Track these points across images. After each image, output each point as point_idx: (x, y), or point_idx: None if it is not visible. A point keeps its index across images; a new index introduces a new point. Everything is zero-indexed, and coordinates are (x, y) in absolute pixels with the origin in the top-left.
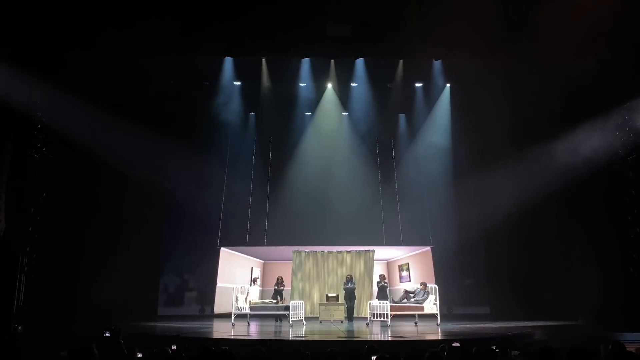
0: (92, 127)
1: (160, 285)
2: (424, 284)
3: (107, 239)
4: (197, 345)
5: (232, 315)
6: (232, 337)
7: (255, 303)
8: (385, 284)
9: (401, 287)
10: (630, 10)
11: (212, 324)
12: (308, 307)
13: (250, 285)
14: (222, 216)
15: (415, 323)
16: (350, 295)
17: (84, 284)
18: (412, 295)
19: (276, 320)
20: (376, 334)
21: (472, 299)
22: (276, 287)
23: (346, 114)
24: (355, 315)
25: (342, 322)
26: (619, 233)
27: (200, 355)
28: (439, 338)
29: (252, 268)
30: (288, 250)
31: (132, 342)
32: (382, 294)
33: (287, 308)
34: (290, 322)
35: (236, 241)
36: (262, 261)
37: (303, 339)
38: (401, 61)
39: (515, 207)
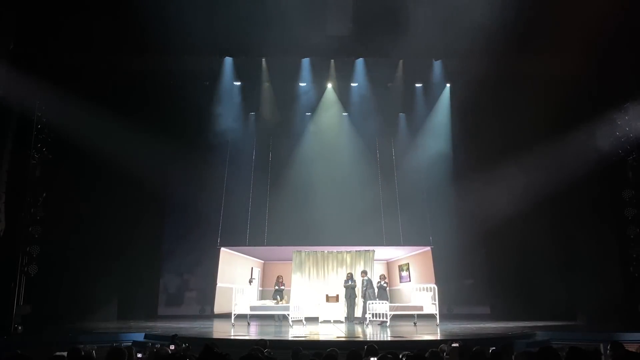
0: (92, 127)
1: (160, 285)
2: (364, 272)
3: (107, 238)
4: (196, 345)
5: (232, 315)
6: (232, 337)
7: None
8: (385, 284)
9: (401, 287)
10: (630, 11)
11: (212, 324)
12: (308, 307)
13: (250, 284)
14: (222, 216)
15: (414, 323)
16: (350, 294)
17: (84, 284)
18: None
19: (276, 320)
20: (376, 334)
21: (472, 299)
22: (276, 287)
23: (346, 114)
24: (355, 315)
25: (342, 322)
26: (619, 233)
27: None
28: (439, 338)
29: (252, 268)
30: (288, 250)
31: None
32: (382, 294)
33: (287, 308)
34: (290, 322)
35: (236, 241)
36: (262, 261)
37: (303, 339)
38: (401, 61)
39: (515, 207)
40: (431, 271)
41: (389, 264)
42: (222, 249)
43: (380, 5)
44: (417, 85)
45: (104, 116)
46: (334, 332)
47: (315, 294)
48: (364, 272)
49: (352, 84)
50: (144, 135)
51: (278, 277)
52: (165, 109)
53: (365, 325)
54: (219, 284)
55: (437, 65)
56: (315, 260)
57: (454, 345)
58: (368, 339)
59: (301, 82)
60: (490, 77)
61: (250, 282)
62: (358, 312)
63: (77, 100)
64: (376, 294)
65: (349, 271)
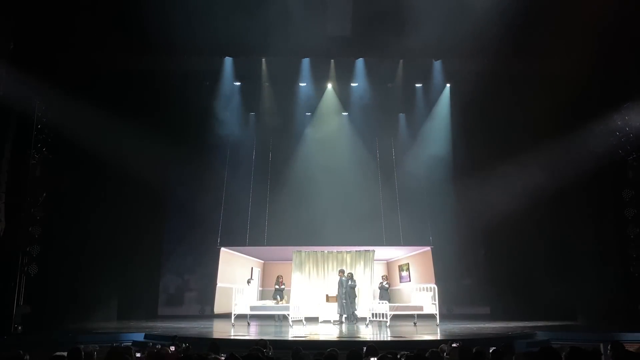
0: (92, 127)
1: (160, 285)
2: (342, 270)
3: (107, 238)
4: (196, 345)
5: (232, 315)
6: (232, 337)
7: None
8: (387, 285)
9: (401, 287)
10: (630, 11)
11: (212, 324)
12: (308, 307)
13: (248, 284)
14: (222, 216)
15: (415, 323)
16: (350, 293)
17: (84, 284)
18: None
19: (276, 320)
20: (376, 334)
21: (472, 299)
22: (276, 287)
23: (346, 114)
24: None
25: (342, 322)
26: (619, 233)
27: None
28: (439, 338)
29: (252, 268)
30: (288, 250)
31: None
32: (384, 294)
33: (287, 308)
34: (290, 322)
35: (236, 241)
36: (262, 261)
37: (303, 339)
38: (401, 61)
39: (515, 207)
40: (431, 271)
41: (389, 264)
42: (222, 249)
43: (380, 5)
44: (417, 85)
45: (103, 116)
46: (334, 332)
47: (315, 294)
48: (341, 271)
49: (352, 84)
50: (144, 135)
51: (278, 276)
52: (165, 109)
53: (366, 325)
54: (219, 284)
55: (437, 65)
56: (315, 260)
57: (454, 345)
58: (368, 339)
59: (301, 82)
60: (490, 77)
61: (248, 282)
62: (360, 312)
63: (77, 100)
64: (379, 294)
65: (349, 271)
